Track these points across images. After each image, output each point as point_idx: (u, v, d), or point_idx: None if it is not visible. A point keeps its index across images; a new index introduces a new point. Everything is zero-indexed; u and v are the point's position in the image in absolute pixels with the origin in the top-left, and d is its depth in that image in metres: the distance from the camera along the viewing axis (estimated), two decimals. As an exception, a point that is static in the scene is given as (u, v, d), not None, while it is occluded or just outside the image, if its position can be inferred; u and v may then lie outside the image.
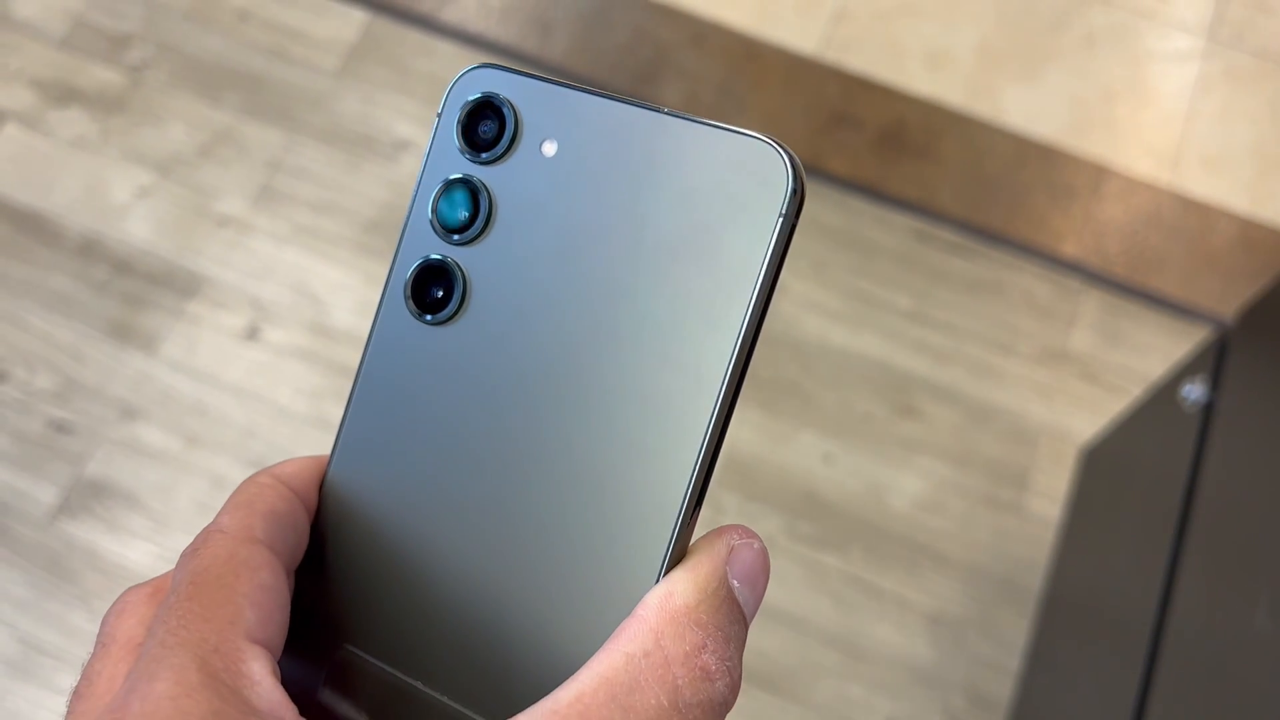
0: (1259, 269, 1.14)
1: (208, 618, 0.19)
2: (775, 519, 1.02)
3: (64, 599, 0.98)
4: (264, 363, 1.07)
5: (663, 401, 0.21)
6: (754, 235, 0.21)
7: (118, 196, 1.14)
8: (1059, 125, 1.21)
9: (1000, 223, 1.15)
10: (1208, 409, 0.72)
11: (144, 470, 1.02)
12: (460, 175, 0.23)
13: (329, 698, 0.22)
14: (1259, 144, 1.21)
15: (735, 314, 0.21)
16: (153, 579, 0.22)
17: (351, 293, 1.11)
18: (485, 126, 0.23)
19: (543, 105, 0.22)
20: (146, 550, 1.00)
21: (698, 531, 0.22)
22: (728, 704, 0.20)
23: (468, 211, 0.23)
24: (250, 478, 0.23)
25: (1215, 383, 0.72)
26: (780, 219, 0.21)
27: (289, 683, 0.20)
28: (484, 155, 0.23)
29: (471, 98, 0.23)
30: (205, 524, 0.22)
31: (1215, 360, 0.73)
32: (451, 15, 1.24)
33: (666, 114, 0.22)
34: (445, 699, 0.22)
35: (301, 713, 0.19)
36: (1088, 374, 1.10)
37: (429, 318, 0.23)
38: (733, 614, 0.20)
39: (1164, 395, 0.82)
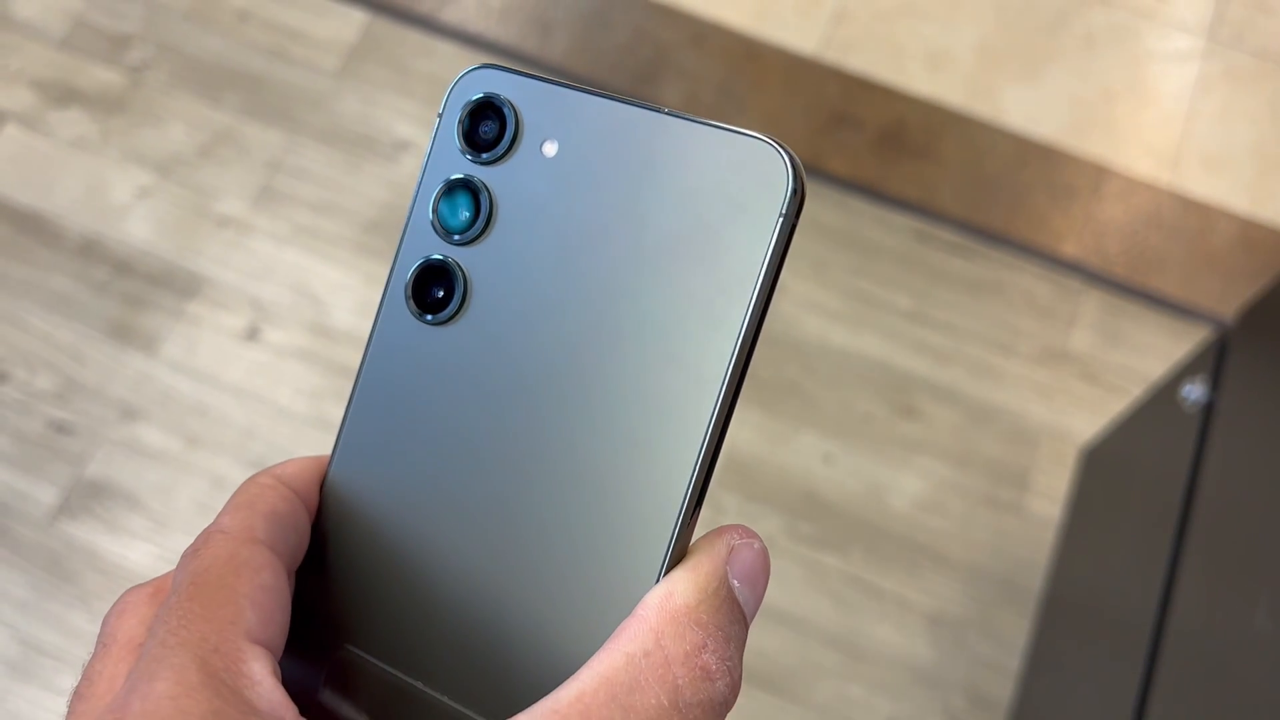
0: (1259, 269, 1.14)
1: (208, 618, 0.19)
2: (775, 519, 1.02)
3: (64, 600, 0.98)
4: (264, 363, 1.07)
5: (663, 401, 0.21)
6: (754, 235, 0.21)
7: (118, 197, 1.14)
8: (1059, 125, 1.21)
9: (1000, 223, 1.16)
10: (1208, 409, 0.72)
11: (144, 471, 1.03)
12: (461, 175, 0.23)
13: (329, 698, 0.23)
14: (1259, 144, 1.21)
15: (735, 314, 0.21)
16: (153, 579, 0.22)
17: (351, 293, 1.11)
18: (486, 127, 0.23)
19: (543, 106, 0.22)
20: (147, 551, 1.00)
21: (698, 531, 0.22)
22: (728, 704, 0.20)
23: (469, 212, 0.23)
24: (251, 478, 0.23)
25: (1215, 383, 0.72)
26: (780, 219, 0.21)
27: (289, 683, 0.20)
28: (485, 155, 0.23)
29: (472, 98, 0.23)
30: (205, 524, 0.22)
31: (1215, 360, 0.73)
32: (451, 15, 1.24)
33: (667, 114, 0.22)
34: (445, 699, 0.22)
35: (302, 712, 0.19)
36: (1088, 374, 1.10)
37: (430, 318, 0.23)
38: (733, 614, 0.20)
39: (1164, 395, 0.82)
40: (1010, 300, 1.12)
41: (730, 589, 0.21)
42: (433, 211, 0.23)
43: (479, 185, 0.23)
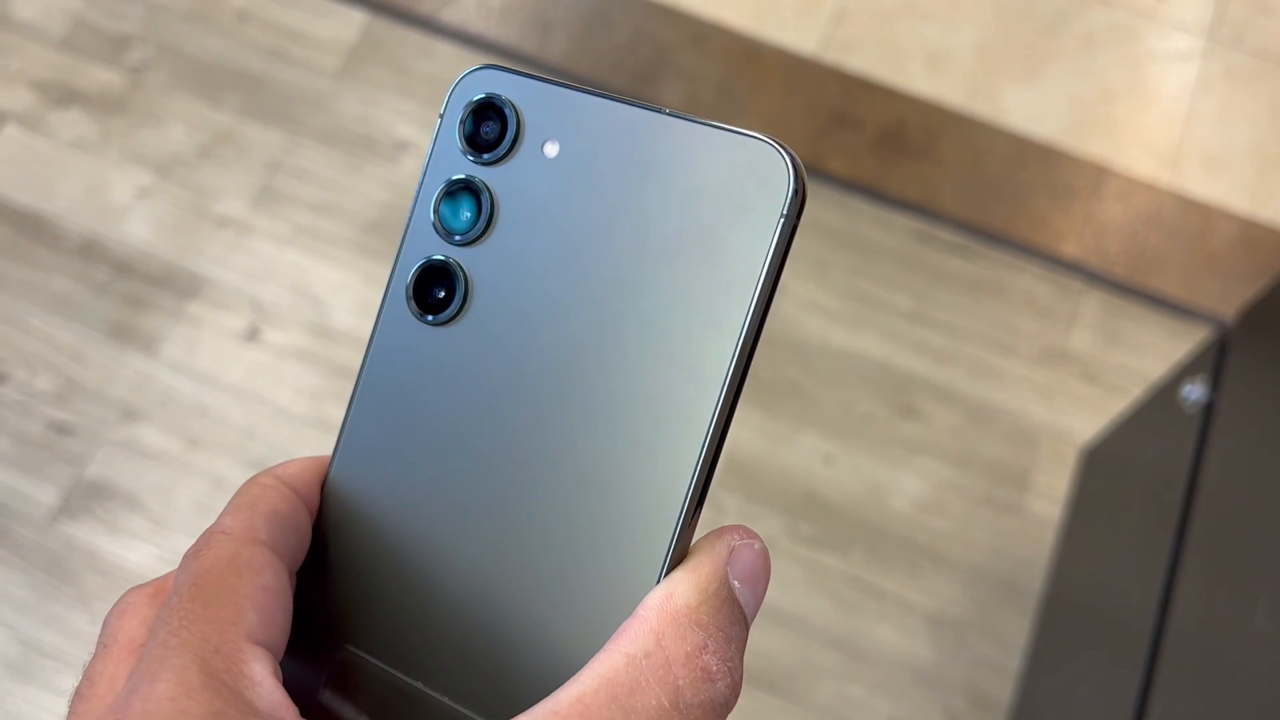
0: (1259, 269, 1.14)
1: (210, 619, 0.19)
2: (776, 520, 1.02)
3: (64, 600, 0.98)
4: (264, 364, 1.07)
5: (664, 402, 0.21)
6: (755, 236, 0.21)
7: (118, 197, 1.14)
8: (1059, 125, 1.21)
9: (1000, 223, 1.16)
10: (1208, 409, 0.72)
11: (144, 471, 1.03)
12: (462, 176, 0.23)
13: (330, 698, 0.23)
14: (1259, 144, 1.21)
15: (737, 315, 0.21)
16: (154, 579, 0.22)
17: (352, 293, 1.11)
18: (487, 127, 0.23)
19: (545, 106, 0.22)
20: (147, 552, 1.00)
21: (699, 532, 0.22)
22: (729, 705, 0.20)
23: (470, 212, 0.23)
24: (252, 478, 0.23)
25: (1215, 383, 0.72)
26: (782, 220, 0.21)
27: (290, 683, 0.20)
28: (486, 156, 0.23)
29: (474, 99, 0.23)
30: (206, 525, 0.22)
31: (1215, 360, 0.73)
32: (451, 16, 1.24)
33: (668, 115, 0.22)
34: (446, 699, 0.22)
35: (303, 713, 0.19)
36: (1088, 374, 1.10)
37: (431, 318, 0.23)
38: (734, 615, 0.20)
39: (1164, 395, 0.82)
40: (1010, 300, 1.12)
41: (731, 590, 0.21)
42: (434, 212, 0.23)
43: (480, 186, 0.23)
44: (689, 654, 0.19)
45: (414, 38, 1.23)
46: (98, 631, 0.21)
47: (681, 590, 0.20)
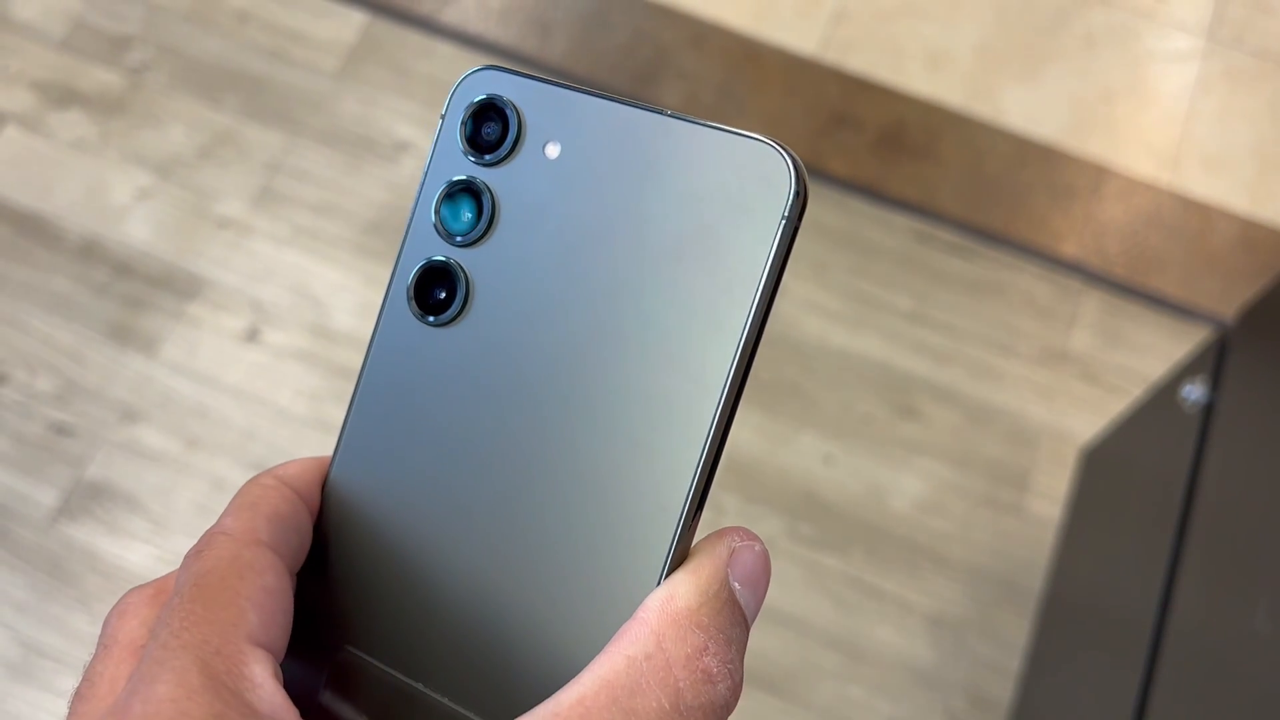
0: (1259, 269, 1.14)
1: (210, 620, 0.19)
2: (776, 520, 1.02)
3: (64, 601, 0.98)
4: (264, 365, 1.07)
5: (665, 404, 0.21)
6: (757, 238, 0.21)
7: (118, 198, 1.14)
8: (1059, 125, 1.21)
9: (1000, 223, 1.16)
10: (1208, 409, 0.72)
11: (144, 472, 1.02)
12: (464, 177, 0.23)
13: (330, 699, 0.23)
14: (1259, 144, 1.21)
15: (738, 317, 0.21)
16: (154, 580, 0.22)
17: (352, 294, 1.11)
18: (489, 128, 0.23)
19: (546, 107, 0.22)
20: (146, 552, 1.00)
21: (699, 534, 0.22)
22: (729, 706, 0.20)
23: (471, 213, 0.23)
24: (253, 479, 0.23)
25: (1215, 383, 0.72)
26: (783, 222, 0.21)
27: (290, 684, 0.20)
28: (487, 157, 0.23)
29: (475, 100, 0.23)
30: (205, 526, 0.22)
31: (1215, 360, 0.73)
32: (451, 16, 1.24)
33: (670, 116, 0.22)
34: (447, 701, 0.22)
35: (303, 714, 0.19)
36: (1088, 374, 1.10)
37: (432, 319, 0.23)
38: (734, 616, 0.20)
39: (1164, 395, 0.82)
40: (1010, 301, 1.12)
41: (731, 591, 0.21)
42: (435, 213, 0.23)
43: (481, 187, 0.23)
44: (689, 656, 0.19)
45: (414, 38, 1.23)
46: (98, 632, 0.21)
47: (682, 592, 0.20)
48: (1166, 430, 0.79)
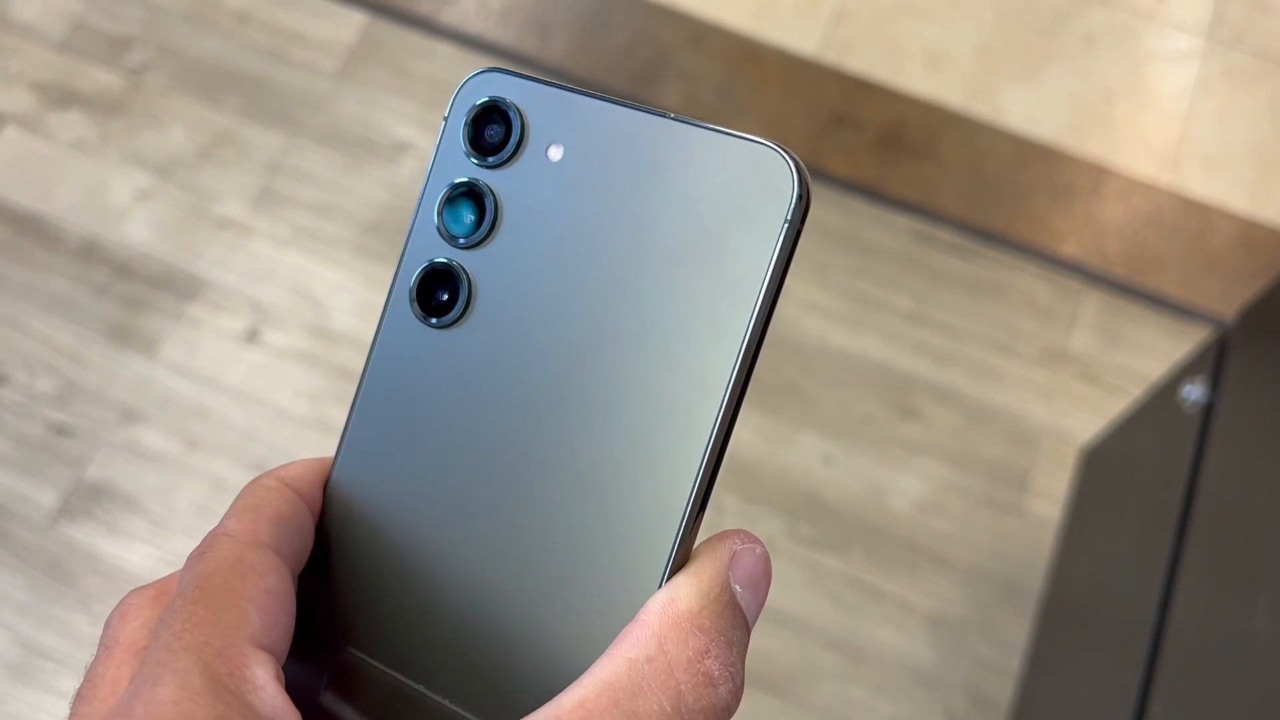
0: (1259, 269, 1.14)
1: (213, 622, 0.19)
2: (776, 521, 1.02)
3: (64, 602, 0.98)
4: (264, 365, 1.07)
5: (667, 407, 0.21)
6: (759, 241, 0.21)
7: (118, 199, 1.14)
8: (1059, 125, 1.21)
9: (1000, 223, 1.16)
10: (1208, 409, 0.72)
11: (144, 473, 1.02)
12: (466, 179, 0.23)
13: (331, 701, 0.23)
14: (1259, 144, 1.21)
15: (740, 320, 0.21)
16: (156, 581, 0.22)
17: (352, 295, 1.11)
18: (491, 131, 0.23)
19: (549, 110, 0.22)
20: (146, 553, 1.00)
21: (699, 536, 0.22)
22: (730, 709, 0.20)
23: (473, 215, 0.23)
24: (255, 480, 0.23)
25: (1215, 383, 0.73)
26: (786, 225, 0.21)
27: (292, 686, 0.20)
28: (490, 159, 0.23)
29: (478, 102, 0.23)
30: (206, 527, 0.22)
31: (1215, 360, 0.73)
32: (451, 17, 1.24)
33: (673, 119, 0.22)
34: (448, 703, 0.22)
35: (305, 716, 0.19)
36: (1088, 374, 1.10)
37: (434, 321, 0.23)
38: (735, 619, 0.20)
39: (1164, 395, 0.82)
40: (1010, 301, 1.12)
41: (732, 594, 0.21)
42: (438, 215, 0.23)
43: (484, 189, 0.23)
44: (691, 659, 0.19)
45: (413, 39, 1.23)
46: (98, 633, 0.21)
47: (683, 595, 0.20)
48: (1166, 430, 0.79)
